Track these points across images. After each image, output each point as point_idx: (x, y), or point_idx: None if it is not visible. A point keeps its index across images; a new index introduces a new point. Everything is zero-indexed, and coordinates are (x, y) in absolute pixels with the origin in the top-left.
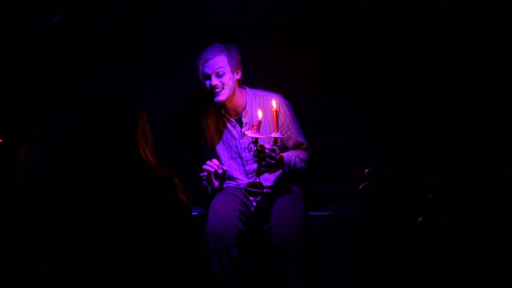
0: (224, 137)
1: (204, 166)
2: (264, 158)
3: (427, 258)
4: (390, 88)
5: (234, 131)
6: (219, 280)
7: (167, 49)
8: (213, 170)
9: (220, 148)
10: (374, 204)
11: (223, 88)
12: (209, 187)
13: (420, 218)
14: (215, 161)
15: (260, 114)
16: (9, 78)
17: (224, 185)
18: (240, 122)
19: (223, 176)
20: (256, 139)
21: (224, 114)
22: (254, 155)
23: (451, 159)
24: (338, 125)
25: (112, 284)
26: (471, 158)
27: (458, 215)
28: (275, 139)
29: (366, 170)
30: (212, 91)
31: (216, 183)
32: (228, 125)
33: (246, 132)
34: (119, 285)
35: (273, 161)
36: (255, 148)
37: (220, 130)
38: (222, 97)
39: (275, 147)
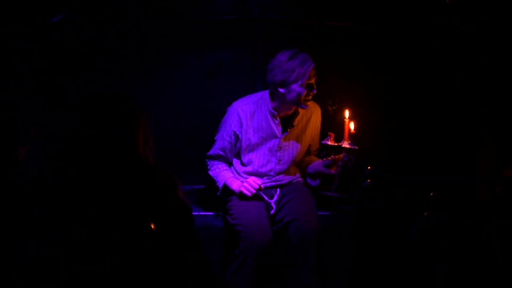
0: (262, 132)
1: (244, 191)
2: (349, 169)
3: (428, 257)
4: (390, 88)
5: (276, 130)
6: (217, 279)
7: (167, 49)
8: (251, 194)
9: (255, 140)
10: (374, 204)
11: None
12: (220, 188)
13: (421, 217)
14: (256, 180)
15: (352, 125)
16: (9, 78)
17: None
18: (284, 122)
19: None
20: (350, 149)
21: (273, 111)
22: (341, 165)
23: (451, 159)
24: (338, 124)
25: (113, 285)
26: (471, 158)
27: (458, 214)
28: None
29: (366, 170)
30: (308, 98)
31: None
32: (271, 122)
33: (343, 145)
34: (120, 286)
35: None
36: (348, 158)
37: (261, 124)
38: (308, 105)
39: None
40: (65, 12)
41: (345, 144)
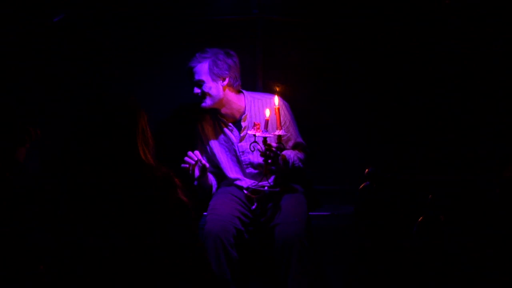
0: (222, 141)
1: (186, 158)
2: (271, 157)
3: (427, 258)
4: (390, 88)
5: (231, 135)
6: (217, 279)
7: (167, 49)
8: (194, 162)
9: (219, 153)
10: (374, 204)
11: (204, 97)
12: (199, 190)
13: (420, 218)
14: (196, 153)
15: (267, 112)
16: (9, 78)
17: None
18: (238, 126)
19: (204, 169)
20: (265, 138)
21: (221, 119)
22: (261, 154)
23: (450, 159)
24: (338, 124)
25: (111, 285)
26: (471, 158)
27: (458, 215)
28: (279, 137)
29: (366, 170)
30: (197, 99)
31: (196, 173)
32: (225, 129)
33: (255, 133)
34: (118, 286)
35: (279, 160)
36: (264, 147)
37: (218, 134)
38: (204, 104)
39: (281, 145)
40: (65, 12)
41: (262, 133)
